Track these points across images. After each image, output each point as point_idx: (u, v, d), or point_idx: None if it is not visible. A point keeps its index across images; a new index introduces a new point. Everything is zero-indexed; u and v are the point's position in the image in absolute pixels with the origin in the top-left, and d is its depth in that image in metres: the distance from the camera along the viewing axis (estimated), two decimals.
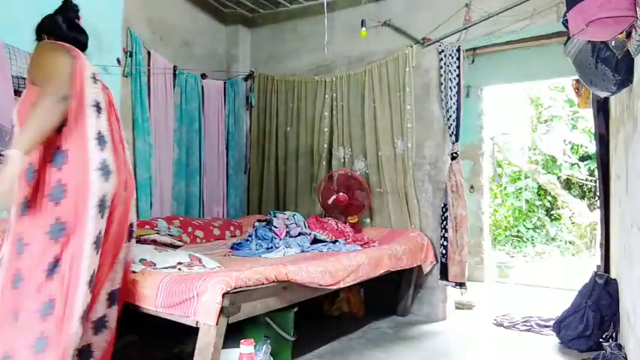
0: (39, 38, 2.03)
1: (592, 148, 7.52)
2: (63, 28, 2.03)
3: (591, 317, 3.06)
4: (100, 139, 1.88)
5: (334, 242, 3.57)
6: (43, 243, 1.72)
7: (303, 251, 3.36)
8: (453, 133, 3.85)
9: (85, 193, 1.78)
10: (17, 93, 2.81)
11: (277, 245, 3.43)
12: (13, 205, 1.77)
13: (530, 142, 8.50)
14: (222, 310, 2.01)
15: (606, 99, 3.34)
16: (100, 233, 1.83)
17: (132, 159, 3.83)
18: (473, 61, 5.08)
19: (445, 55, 3.86)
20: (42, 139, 1.71)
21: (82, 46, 2.06)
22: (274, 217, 3.78)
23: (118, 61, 3.67)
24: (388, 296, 3.96)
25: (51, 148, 1.79)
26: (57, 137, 1.79)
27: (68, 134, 1.81)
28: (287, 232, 3.65)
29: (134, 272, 2.26)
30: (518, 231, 8.47)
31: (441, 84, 3.90)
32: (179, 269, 2.41)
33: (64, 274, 1.73)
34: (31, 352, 1.67)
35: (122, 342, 2.88)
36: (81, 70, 1.91)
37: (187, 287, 2.07)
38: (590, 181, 8.16)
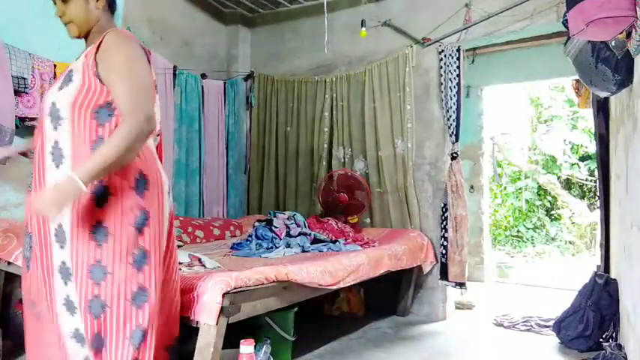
0: None
1: (592, 148, 7.52)
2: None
3: (591, 317, 3.06)
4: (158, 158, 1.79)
5: (334, 242, 3.56)
6: (126, 272, 1.61)
7: (303, 251, 3.36)
8: (453, 133, 3.85)
9: (162, 218, 1.71)
10: (17, 93, 2.81)
11: (277, 245, 3.43)
12: (74, 226, 1.59)
13: (530, 142, 8.50)
14: (222, 310, 2.00)
15: (606, 99, 3.34)
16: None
17: None
18: (473, 61, 5.08)
19: (445, 55, 3.86)
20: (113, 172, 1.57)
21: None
22: (274, 217, 3.78)
23: None
24: (388, 296, 3.96)
25: (133, 174, 1.63)
26: (138, 161, 1.64)
27: (146, 157, 1.68)
28: (287, 232, 3.65)
29: None
30: (518, 231, 8.47)
31: (441, 84, 3.90)
32: (179, 269, 2.41)
33: (153, 303, 1.66)
34: None
35: None
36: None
37: (187, 287, 2.07)
38: (590, 181, 8.17)
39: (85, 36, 1.76)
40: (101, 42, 1.63)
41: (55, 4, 1.73)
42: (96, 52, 1.62)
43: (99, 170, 1.49)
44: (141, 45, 1.71)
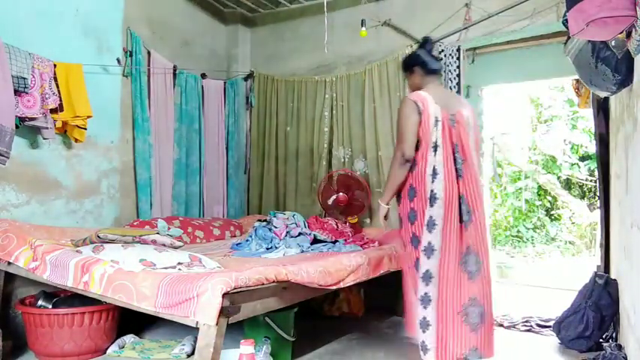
0: (408, 70, 2.70)
1: (592, 148, 7.52)
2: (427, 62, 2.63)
3: (591, 317, 3.06)
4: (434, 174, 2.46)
5: (334, 242, 3.56)
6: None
7: (303, 251, 3.36)
8: None
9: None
10: (17, 93, 2.81)
11: (277, 245, 3.43)
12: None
13: (530, 142, 8.49)
14: (222, 311, 2.00)
15: (606, 99, 3.34)
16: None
17: (132, 159, 3.84)
18: (473, 61, 5.07)
19: (445, 55, 3.86)
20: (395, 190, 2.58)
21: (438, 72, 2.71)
22: (274, 217, 3.78)
23: (118, 61, 3.66)
24: (388, 296, 3.95)
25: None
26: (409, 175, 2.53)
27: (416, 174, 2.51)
28: (287, 232, 3.65)
29: (134, 272, 2.26)
30: (518, 231, 8.46)
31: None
32: (179, 269, 2.40)
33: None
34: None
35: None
36: (426, 122, 2.47)
37: (187, 287, 2.07)
38: (590, 181, 8.16)
39: None
40: None
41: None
42: None
43: (389, 195, 2.66)
44: (416, 101, 2.50)
